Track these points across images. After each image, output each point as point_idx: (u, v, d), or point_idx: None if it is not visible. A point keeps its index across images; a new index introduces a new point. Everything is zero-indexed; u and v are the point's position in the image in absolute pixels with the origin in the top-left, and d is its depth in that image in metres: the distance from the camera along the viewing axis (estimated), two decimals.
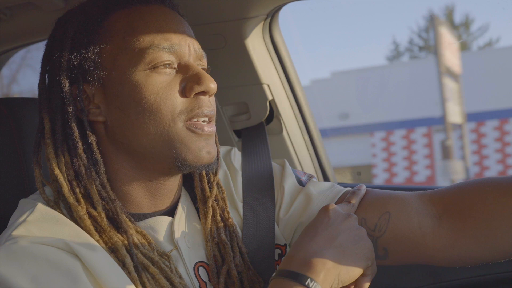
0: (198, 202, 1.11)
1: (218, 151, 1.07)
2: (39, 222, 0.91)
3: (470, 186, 1.04)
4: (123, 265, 0.92)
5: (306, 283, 0.87)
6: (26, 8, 1.34)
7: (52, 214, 0.93)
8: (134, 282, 0.91)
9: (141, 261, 0.94)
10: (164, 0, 1.04)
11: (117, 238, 0.93)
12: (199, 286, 1.02)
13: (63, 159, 0.95)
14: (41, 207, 0.93)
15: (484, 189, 1.01)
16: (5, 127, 1.15)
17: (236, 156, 1.25)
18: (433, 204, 1.05)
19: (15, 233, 0.88)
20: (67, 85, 0.96)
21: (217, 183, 1.14)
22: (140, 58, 0.96)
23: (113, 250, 0.93)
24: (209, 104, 1.01)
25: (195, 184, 1.12)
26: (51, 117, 0.98)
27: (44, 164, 0.98)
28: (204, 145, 0.99)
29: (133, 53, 0.96)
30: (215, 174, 1.12)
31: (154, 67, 0.96)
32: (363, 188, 1.13)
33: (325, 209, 1.00)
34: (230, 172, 1.21)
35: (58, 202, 0.95)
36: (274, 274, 0.92)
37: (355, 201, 1.09)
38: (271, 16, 1.47)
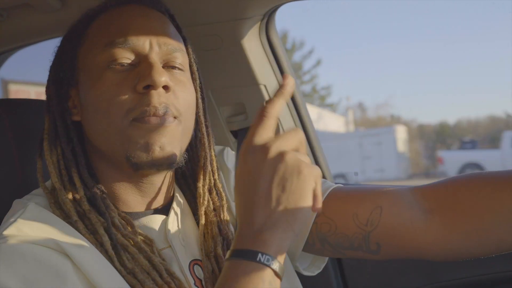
0: (191, 201, 1.12)
1: (174, 150, 0.99)
2: (30, 222, 0.91)
3: (463, 180, 1.03)
4: (101, 245, 0.92)
5: (258, 259, 0.79)
6: (23, 9, 1.34)
7: (43, 214, 0.94)
8: (111, 260, 0.91)
9: (120, 241, 0.94)
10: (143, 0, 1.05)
11: (97, 219, 0.95)
12: (195, 283, 1.02)
13: (55, 152, 1.00)
14: (32, 207, 0.94)
15: (476, 183, 1.01)
16: (1, 128, 1.15)
17: (229, 155, 1.25)
18: (425, 199, 1.05)
19: (5, 232, 0.88)
20: (52, 87, 1.05)
21: (217, 190, 1.12)
22: (101, 57, 0.98)
23: (92, 232, 0.94)
24: (161, 100, 0.96)
25: (189, 182, 1.13)
26: (50, 116, 1.04)
27: (44, 164, 1.03)
28: (155, 139, 0.95)
29: (96, 52, 0.99)
30: (204, 179, 1.09)
31: (108, 66, 0.97)
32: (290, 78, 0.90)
33: (241, 154, 0.84)
34: (223, 172, 1.21)
35: (52, 202, 0.97)
36: (226, 256, 0.84)
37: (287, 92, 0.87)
38: (268, 17, 1.47)
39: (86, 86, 1.00)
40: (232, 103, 1.60)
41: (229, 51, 1.48)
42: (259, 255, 0.79)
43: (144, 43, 0.99)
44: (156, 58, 0.99)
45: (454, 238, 1.01)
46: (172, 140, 0.98)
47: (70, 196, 0.96)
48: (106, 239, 0.93)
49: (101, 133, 0.99)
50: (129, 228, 0.98)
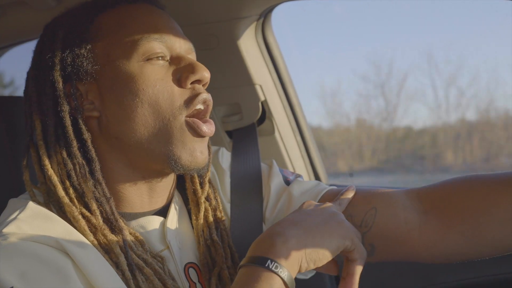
0: (190, 203, 1.11)
1: (210, 153, 1.07)
2: (31, 220, 0.90)
3: (458, 182, 1.03)
4: (116, 266, 0.91)
5: (267, 265, 0.84)
6: (18, 7, 1.34)
7: (43, 212, 0.92)
8: (127, 283, 0.90)
9: (135, 262, 0.93)
10: (151, 0, 1.06)
11: (111, 237, 0.93)
12: (189, 287, 1.02)
13: (55, 159, 0.95)
14: (32, 205, 0.92)
15: (471, 185, 1.01)
16: None
17: (224, 156, 1.25)
18: (420, 200, 1.05)
19: (5, 230, 0.87)
20: (61, 83, 0.96)
21: (210, 182, 1.14)
22: (133, 50, 0.97)
23: (107, 250, 0.92)
24: (204, 91, 1.01)
25: (187, 186, 1.12)
26: (42, 118, 0.98)
27: (31, 167, 0.98)
28: (199, 145, 0.99)
29: (126, 46, 0.97)
30: (207, 171, 1.12)
31: (147, 59, 0.97)
32: (352, 188, 1.11)
33: (308, 202, 1.01)
34: (218, 172, 1.21)
35: (49, 204, 0.95)
36: (240, 263, 0.89)
37: (343, 202, 1.08)
38: (264, 17, 1.47)
39: (114, 79, 0.97)
40: (227, 103, 1.60)
41: (225, 51, 1.48)
42: (269, 261, 0.84)
43: (175, 41, 1.01)
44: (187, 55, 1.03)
45: (449, 239, 1.01)
46: (207, 146, 1.03)
47: (78, 211, 0.93)
48: (122, 259, 0.91)
49: (142, 127, 0.96)
50: (138, 244, 0.97)
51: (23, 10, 1.35)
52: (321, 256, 0.89)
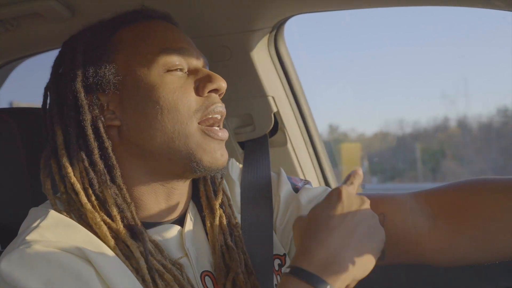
0: (204, 210, 1.11)
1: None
2: (53, 228, 0.91)
3: (466, 186, 1.03)
4: (136, 272, 0.92)
5: (311, 282, 0.82)
6: (33, 19, 1.35)
7: (65, 220, 0.94)
8: (146, 285, 0.91)
9: (156, 267, 0.94)
10: (166, 18, 1.10)
11: (132, 242, 0.94)
12: None
13: (78, 168, 0.97)
14: (54, 214, 0.94)
15: (480, 189, 1.01)
16: (11, 137, 1.15)
17: (234, 167, 1.26)
18: (429, 204, 1.05)
19: (28, 237, 0.88)
20: (82, 94, 0.99)
21: (223, 190, 1.14)
22: (154, 62, 1.00)
23: (127, 256, 0.93)
24: (220, 101, 1.05)
25: (201, 194, 1.13)
26: (63, 129, 1.00)
27: (50, 178, 1.00)
28: (218, 147, 1.02)
29: (146, 59, 1.01)
30: (221, 178, 1.13)
31: (168, 70, 1.01)
32: (360, 169, 1.05)
33: (338, 193, 0.92)
34: (228, 183, 1.22)
35: (70, 213, 0.96)
36: (288, 268, 0.87)
37: (355, 181, 1.01)
38: (277, 29, 1.47)
39: (135, 89, 1.00)
40: (239, 114, 1.61)
41: (238, 62, 1.48)
42: (328, 287, 0.82)
43: (192, 54, 1.05)
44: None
45: (459, 244, 1.01)
46: (225, 149, 1.05)
47: (100, 217, 0.94)
48: (142, 263, 0.92)
49: (162, 133, 0.99)
50: (158, 251, 0.98)
51: (37, 21, 1.37)
52: (365, 274, 0.88)
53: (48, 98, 1.06)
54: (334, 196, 0.91)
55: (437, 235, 1.02)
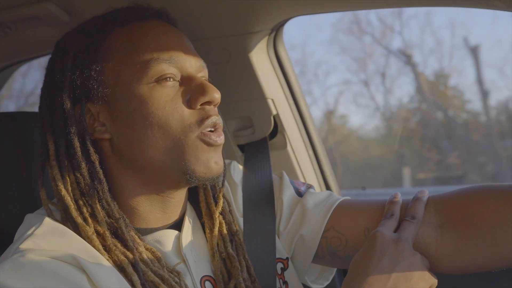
0: (204, 216, 1.10)
1: (224, 164, 1.07)
2: (47, 236, 0.90)
3: (474, 193, 1.03)
4: (132, 284, 0.91)
5: None
6: (31, 23, 1.34)
7: (59, 229, 0.93)
8: None
9: (150, 279, 0.93)
10: (162, 15, 1.07)
11: (124, 256, 0.93)
12: None
13: (68, 179, 0.96)
14: (48, 221, 0.93)
15: (486, 196, 1.00)
16: (10, 141, 1.14)
17: (236, 170, 1.25)
18: (436, 212, 1.05)
19: (22, 246, 0.87)
20: (69, 105, 0.97)
21: (224, 197, 1.14)
22: (143, 72, 0.97)
23: (121, 269, 0.92)
24: (215, 112, 1.02)
25: (200, 199, 1.12)
26: (54, 138, 0.99)
27: (48, 184, 0.99)
28: (213, 155, 1.00)
29: (135, 68, 0.97)
30: (222, 186, 1.12)
31: (157, 81, 0.97)
32: (399, 195, 1.10)
33: (372, 237, 0.98)
34: (230, 186, 1.21)
35: (66, 221, 0.95)
36: None
37: (395, 211, 1.06)
38: (276, 31, 1.47)
39: (124, 101, 0.97)
40: (239, 117, 1.60)
41: (237, 65, 1.48)
42: None
43: (185, 60, 1.01)
44: (196, 74, 1.03)
45: (466, 252, 1.00)
46: (221, 156, 1.03)
47: (92, 230, 0.93)
48: (136, 278, 0.91)
49: (153, 148, 0.96)
50: (155, 259, 0.97)
51: (36, 25, 1.36)
52: None
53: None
54: (369, 241, 0.98)
55: (444, 245, 1.02)
